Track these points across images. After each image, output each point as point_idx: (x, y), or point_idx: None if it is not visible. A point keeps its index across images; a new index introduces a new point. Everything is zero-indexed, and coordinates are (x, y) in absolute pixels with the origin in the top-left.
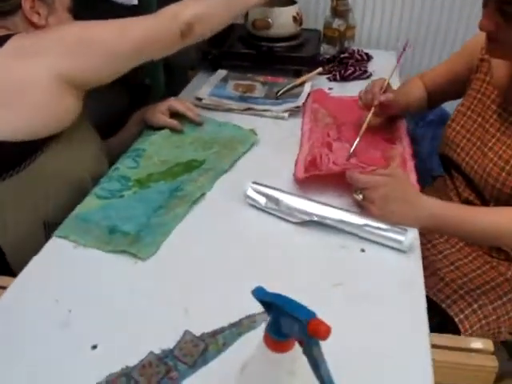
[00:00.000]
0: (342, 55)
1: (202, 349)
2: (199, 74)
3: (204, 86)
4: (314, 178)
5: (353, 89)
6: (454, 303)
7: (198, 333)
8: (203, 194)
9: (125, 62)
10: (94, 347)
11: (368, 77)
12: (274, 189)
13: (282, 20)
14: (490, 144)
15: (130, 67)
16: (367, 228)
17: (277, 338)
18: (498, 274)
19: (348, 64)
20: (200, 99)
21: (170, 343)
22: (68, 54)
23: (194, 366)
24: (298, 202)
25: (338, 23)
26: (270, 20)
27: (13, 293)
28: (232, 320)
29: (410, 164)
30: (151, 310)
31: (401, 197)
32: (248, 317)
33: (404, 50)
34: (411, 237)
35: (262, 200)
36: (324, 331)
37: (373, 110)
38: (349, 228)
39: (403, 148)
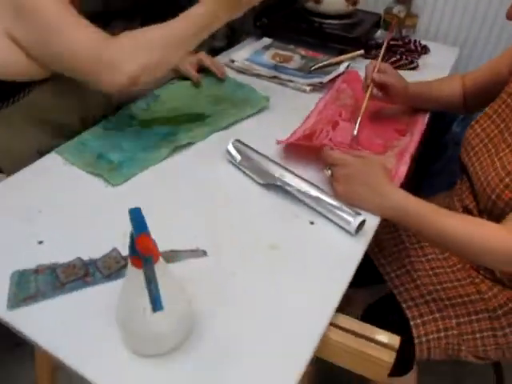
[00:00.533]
0: (394, 42)
1: (120, 266)
2: (248, 39)
3: (243, 50)
4: (300, 150)
5: None
6: (416, 306)
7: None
8: (190, 143)
9: (47, 59)
10: (40, 242)
11: (413, 68)
12: (252, 149)
13: None
14: (501, 153)
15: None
16: (320, 201)
17: (134, 255)
18: (477, 291)
19: (397, 52)
20: (233, 61)
21: (100, 255)
22: (12, 11)
23: (107, 277)
24: (268, 165)
25: (398, 9)
26: None
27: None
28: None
29: (407, 157)
30: (100, 227)
31: (366, 181)
32: (173, 251)
33: (392, 30)
34: (361, 220)
35: (238, 157)
36: (143, 247)
37: (370, 90)
38: (306, 199)
39: (410, 141)
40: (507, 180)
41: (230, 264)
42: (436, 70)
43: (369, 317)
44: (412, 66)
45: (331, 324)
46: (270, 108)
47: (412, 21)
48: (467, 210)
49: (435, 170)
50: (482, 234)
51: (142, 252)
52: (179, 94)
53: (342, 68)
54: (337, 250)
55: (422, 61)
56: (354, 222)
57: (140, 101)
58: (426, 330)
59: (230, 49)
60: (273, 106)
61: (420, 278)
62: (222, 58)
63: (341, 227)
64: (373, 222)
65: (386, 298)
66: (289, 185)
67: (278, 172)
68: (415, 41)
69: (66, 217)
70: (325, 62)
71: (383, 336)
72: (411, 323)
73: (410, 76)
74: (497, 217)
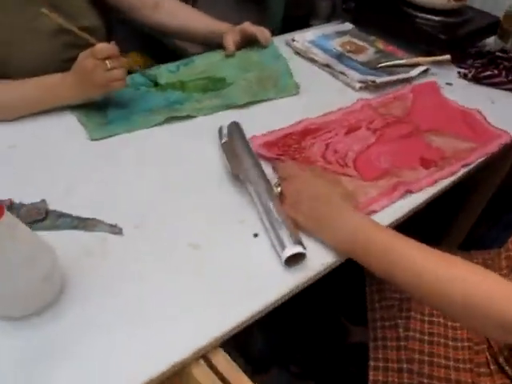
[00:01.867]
0: (501, 54)
1: (39, 219)
2: (332, 22)
3: (313, 31)
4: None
5: (479, 97)
6: (384, 370)
7: (62, 209)
8: (189, 116)
9: None
10: None
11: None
12: (242, 136)
13: None
14: None
15: None
16: (268, 212)
17: None
18: (472, 382)
19: (499, 66)
20: (294, 40)
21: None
22: None
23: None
24: (243, 155)
25: None
26: None
27: None
28: (98, 215)
29: (400, 193)
30: (50, 175)
31: (318, 198)
32: (95, 220)
33: None
34: (297, 252)
35: (224, 139)
36: None
37: None
38: (258, 205)
39: (425, 177)
40: None
41: (140, 251)
42: None
43: (334, 360)
44: (511, 86)
45: (203, 356)
46: (302, 96)
47: None
48: None
49: (509, 221)
50: (478, 286)
51: None
52: (213, 59)
53: (414, 72)
54: (265, 275)
55: None
56: (286, 250)
57: (172, 63)
58: None
59: (306, 28)
60: (307, 96)
61: (408, 339)
62: (289, 36)
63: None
64: (327, 259)
65: (362, 345)
66: (250, 182)
67: (246, 165)
68: None
69: (33, 157)
70: (395, 62)
71: None
72: None
73: (504, 98)
74: None
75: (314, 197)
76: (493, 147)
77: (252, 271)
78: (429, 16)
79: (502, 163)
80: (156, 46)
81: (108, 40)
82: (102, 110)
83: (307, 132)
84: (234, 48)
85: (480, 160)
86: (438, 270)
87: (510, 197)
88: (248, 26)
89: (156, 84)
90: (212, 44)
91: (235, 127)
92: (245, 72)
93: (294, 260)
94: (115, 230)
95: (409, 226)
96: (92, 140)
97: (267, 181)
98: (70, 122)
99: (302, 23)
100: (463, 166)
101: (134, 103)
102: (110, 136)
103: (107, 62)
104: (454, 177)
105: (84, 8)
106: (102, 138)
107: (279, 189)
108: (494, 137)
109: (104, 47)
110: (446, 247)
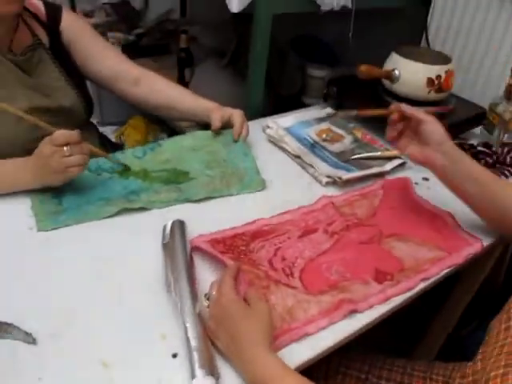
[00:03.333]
0: (483, 149)
1: None
2: (315, 106)
3: (292, 117)
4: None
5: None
6: None
7: None
8: (142, 208)
9: None
10: None
11: None
12: (182, 240)
13: (410, 77)
14: None
15: None
16: (186, 331)
17: None
18: None
19: (480, 162)
20: (268, 127)
21: None
22: None
23: None
24: (178, 262)
25: (504, 107)
26: (396, 72)
27: None
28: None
29: (344, 312)
30: None
31: (234, 333)
32: (9, 325)
33: None
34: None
35: (166, 239)
36: None
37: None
38: (184, 321)
39: (379, 293)
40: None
41: (47, 367)
42: None
43: None
44: None
45: None
46: (266, 191)
47: None
48: None
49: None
50: None
51: None
52: (182, 145)
53: (388, 166)
54: None
55: None
56: (194, 382)
57: (140, 148)
58: None
59: (287, 112)
60: (271, 190)
61: None
62: (265, 121)
63: None
64: None
65: None
66: (176, 293)
67: (177, 272)
68: None
69: None
70: (368, 154)
71: None
72: None
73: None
74: None
75: (230, 331)
76: (460, 258)
77: None
78: (411, 106)
79: (485, 258)
80: None
81: (89, 116)
82: (59, 197)
83: (259, 234)
84: (219, 125)
85: (445, 271)
86: None
87: (496, 295)
88: (238, 115)
89: (126, 167)
90: (200, 122)
91: (178, 226)
92: (209, 168)
93: None
94: (29, 339)
95: (389, 320)
96: (38, 231)
97: (194, 294)
98: (19, 208)
99: (295, 101)
100: (423, 280)
101: (92, 191)
102: (60, 227)
103: (65, 148)
104: (411, 292)
105: (63, 88)
106: (50, 229)
107: (207, 303)
108: (463, 245)
109: (62, 134)
110: (420, 352)
